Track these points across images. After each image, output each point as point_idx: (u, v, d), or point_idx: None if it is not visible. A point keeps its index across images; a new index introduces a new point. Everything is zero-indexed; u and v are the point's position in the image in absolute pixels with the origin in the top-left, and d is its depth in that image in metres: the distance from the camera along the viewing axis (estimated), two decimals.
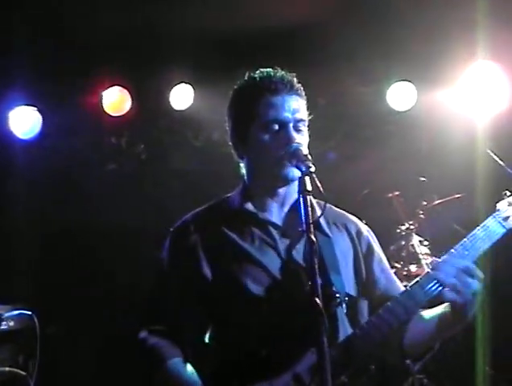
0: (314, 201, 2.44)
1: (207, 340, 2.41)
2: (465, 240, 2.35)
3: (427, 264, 4.68)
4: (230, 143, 2.58)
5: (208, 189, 5.67)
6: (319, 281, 2.06)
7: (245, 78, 2.57)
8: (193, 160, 5.88)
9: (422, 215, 5.00)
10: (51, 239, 5.73)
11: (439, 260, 2.33)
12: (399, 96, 5.52)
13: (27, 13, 4.96)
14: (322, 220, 2.50)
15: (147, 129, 5.85)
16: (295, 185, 2.33)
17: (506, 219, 2.39)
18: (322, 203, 2.33)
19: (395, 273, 3.29)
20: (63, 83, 5.33)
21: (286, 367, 2.28)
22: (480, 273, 2.28)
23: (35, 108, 5.51)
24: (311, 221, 2.12)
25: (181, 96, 5.60)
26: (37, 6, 4.94)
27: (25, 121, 5.53)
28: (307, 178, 2.22)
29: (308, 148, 2.47)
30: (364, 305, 2.48)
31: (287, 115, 2.45)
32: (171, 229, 2.56)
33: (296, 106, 2.47)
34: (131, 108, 5.59)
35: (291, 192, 2.51)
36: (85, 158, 5.74)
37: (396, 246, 4.95)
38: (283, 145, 2.40)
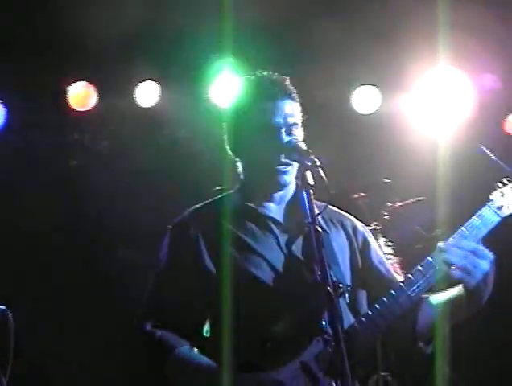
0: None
1: (205, 333, 2.43)
2: (463, 229, 2.46)
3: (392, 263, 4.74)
4: (225, 143, 2.60)
5: (172, 188, 5.66)
6: (327, 271, 2.12)
7: (240, 82, 2.59)
8: (158, 158, 5.85)
9: (386, 217, 5.07)
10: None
11: (445, 243, 2.41)
12: (364, 99, 5.61)
13: None
14: (320, 217, 2.51)
15: (111, 126, 5.80)
16: (293, 182, 2.42)
17: (500, 208, 2.54)
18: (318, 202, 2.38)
19: None
20: (28, 77, 5.26)
21: (293, 356, 2.30)
22: (489, 254, 2.37)
23: (0, 102, 5.42)
24: (316, 213, 2.20)
25: (147, 94, 5.58)
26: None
27: None
28: (308, 173, 2.26)
29: None
30: (363, 296, 2.54)
31: (279, 120, 2.47)
32: (170, 226, 2.56)
33: (289, 111, 2.50)
34: (96, 104, 5.54)
35: (289, 188, 2.56)
36: (47, 153, 5.66)
37: None
38: (276, 149, 2.43)
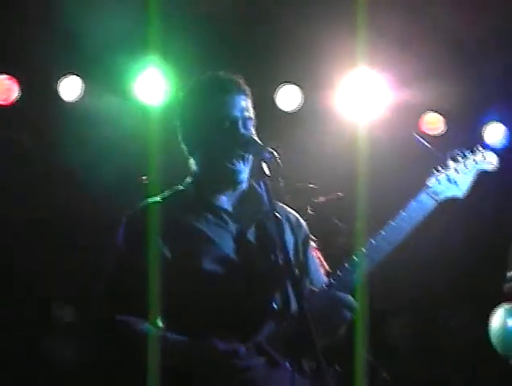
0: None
1: (159, 323, 2.47)
2: (402, 212, 2.66)
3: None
4: (180, 139, 2.66)
5: (92, 185, 5.64)
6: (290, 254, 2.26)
7: (195, 80, 2.67)
8: (80, 154, 5.80)
9: (310, 212, 5.22)
10: None
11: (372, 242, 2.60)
12: (286, 97, 5.78)
13: None
14: None
15: (34, 120, 5.72)
16: (246, 173, 2.53)
17: (436, 193, 2.74)
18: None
19: None
20: None
21: (246, 338, 2.42)
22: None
23: None
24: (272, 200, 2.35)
25: (70, 88, 5.54)
26: None
27: None
28: (264, 164, 2.38)
29: None
30: (306, 283, 2.66)
31: (237, 113, 2.56)
32: (125, 217, 2.61)
33: (244, 105, 2.59)
34: (18, 98, 5.46)
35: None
36: None
37: None
38: (233, 142, 2.53)
